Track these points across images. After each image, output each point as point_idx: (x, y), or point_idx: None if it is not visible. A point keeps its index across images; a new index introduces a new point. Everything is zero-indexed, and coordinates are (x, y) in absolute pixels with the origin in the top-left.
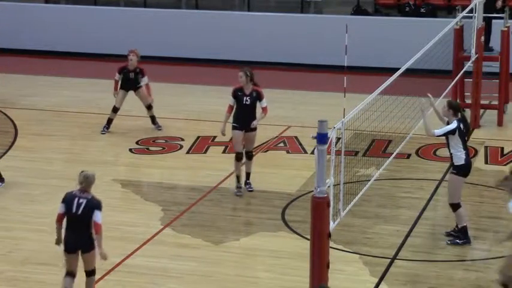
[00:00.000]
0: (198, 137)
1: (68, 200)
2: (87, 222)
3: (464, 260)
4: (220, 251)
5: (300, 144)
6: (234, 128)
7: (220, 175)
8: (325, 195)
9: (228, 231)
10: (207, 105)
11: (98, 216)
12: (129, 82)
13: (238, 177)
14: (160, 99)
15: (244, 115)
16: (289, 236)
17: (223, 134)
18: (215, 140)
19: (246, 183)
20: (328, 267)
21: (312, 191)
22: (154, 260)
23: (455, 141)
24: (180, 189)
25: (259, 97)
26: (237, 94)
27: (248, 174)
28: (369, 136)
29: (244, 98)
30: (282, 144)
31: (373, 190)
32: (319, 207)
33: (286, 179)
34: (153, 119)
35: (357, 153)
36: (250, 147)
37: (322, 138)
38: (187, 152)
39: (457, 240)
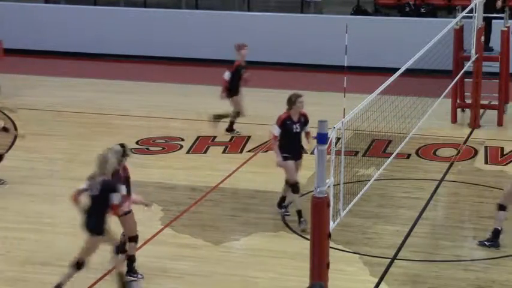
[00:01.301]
0: (198, 137)
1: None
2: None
3: (464, 260)
4: (220, 251)
5: None
6: (286, 158)
7: (220, 175)
8: (325, 195)
9: (228, 231)
10: (207, 105)
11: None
12: (241, 80)
13: (283, 199)
14: (161, 99)
15: (295, 144)
16: (289, 236)
17: (282, 166)
18: (215, 140)
19: (282, 206)
20: (328, 267)
21: (312, 191)
22: (154, 260)
23: None
24: (180, 189)
25: (306, 122)
26: (286, 124)
27: (284, 198)
28: (369, 136)
29: (294, 126)
30: None
31: (373, 190)
32: (319, 207)
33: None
34: (232, 124)
35: (357, 153)
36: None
37: (322, 138)
38: (187, 152)
39: (485, 242)
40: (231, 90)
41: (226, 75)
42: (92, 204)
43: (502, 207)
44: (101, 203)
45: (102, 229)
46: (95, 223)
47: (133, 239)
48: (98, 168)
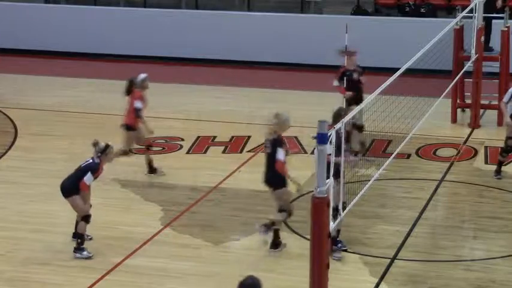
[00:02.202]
0: (198, 137)
1: None
2: None
3: (464, 260)
4: (220, 251)
5: (300, 144)
6: None
7: (220, 175)
8: (325, 195)
9: (228, 231)
10: (207, 105)
11: None
12: (354, 84)
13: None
14: (161, 99)
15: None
16: (289, 236)
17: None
18: (215, 140)
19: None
20: (328, 267)
21: (312, 191)
22: (154, 260)
23: None
24: (180, 189)
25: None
26: None
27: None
28: (369, 136)
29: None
30: None
31: (373, 190)
32: (319, 207)
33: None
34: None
35: (357, 153)
36: None
37: (322, 138)
38: (187, 152)
39: None
40: (347, 99)
41: (335, 82)
42: (267, 160)
43: None
44: (273, 159)
45: (280, 182)
46: (271, 177)
47: (85, 218)
48: (273, 127)
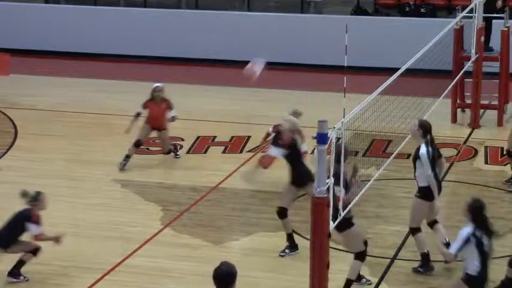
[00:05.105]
0: (198, 137)
1: None
2: None
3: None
4: (220, 251)
5: None
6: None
7: (220, 175)
8: (325, 195)
9: (228, 231)
10: (207, 105)
11: None
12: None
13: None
14: None
15: None
16: None
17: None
18: (215, 140)
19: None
20: (328, 267)
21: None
22: (154, 260)
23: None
24: (180, 189)
25: None
26: None
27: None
28: (369, 136)
29: None
30: None
31: (373, 190)
32: (319, 207)
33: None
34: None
35: (357, 153)
36: None
37: (322, 138)
38: (187, 152)
39: (419, 269)
40: None
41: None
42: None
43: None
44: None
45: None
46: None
47: (34, 251)
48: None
